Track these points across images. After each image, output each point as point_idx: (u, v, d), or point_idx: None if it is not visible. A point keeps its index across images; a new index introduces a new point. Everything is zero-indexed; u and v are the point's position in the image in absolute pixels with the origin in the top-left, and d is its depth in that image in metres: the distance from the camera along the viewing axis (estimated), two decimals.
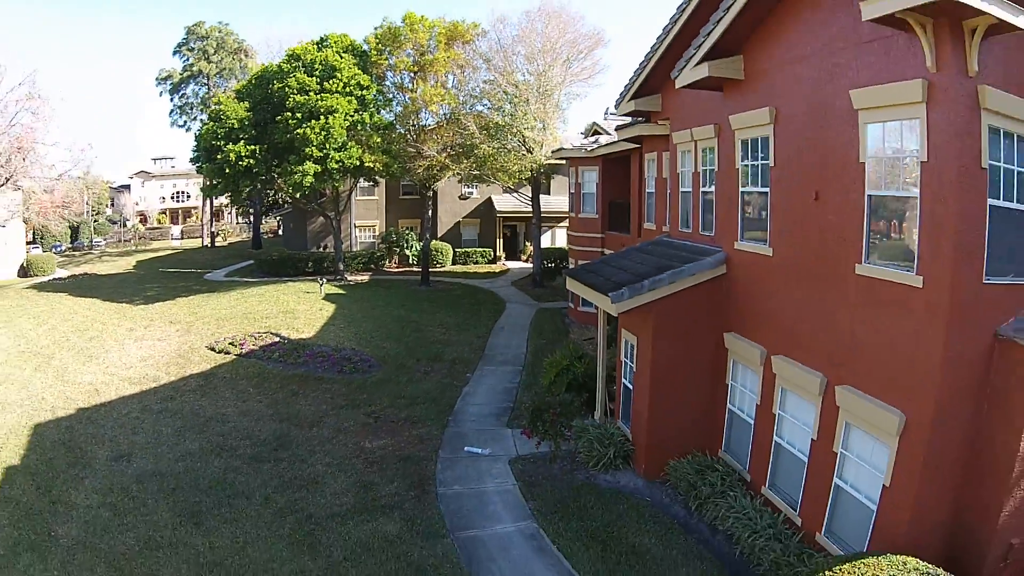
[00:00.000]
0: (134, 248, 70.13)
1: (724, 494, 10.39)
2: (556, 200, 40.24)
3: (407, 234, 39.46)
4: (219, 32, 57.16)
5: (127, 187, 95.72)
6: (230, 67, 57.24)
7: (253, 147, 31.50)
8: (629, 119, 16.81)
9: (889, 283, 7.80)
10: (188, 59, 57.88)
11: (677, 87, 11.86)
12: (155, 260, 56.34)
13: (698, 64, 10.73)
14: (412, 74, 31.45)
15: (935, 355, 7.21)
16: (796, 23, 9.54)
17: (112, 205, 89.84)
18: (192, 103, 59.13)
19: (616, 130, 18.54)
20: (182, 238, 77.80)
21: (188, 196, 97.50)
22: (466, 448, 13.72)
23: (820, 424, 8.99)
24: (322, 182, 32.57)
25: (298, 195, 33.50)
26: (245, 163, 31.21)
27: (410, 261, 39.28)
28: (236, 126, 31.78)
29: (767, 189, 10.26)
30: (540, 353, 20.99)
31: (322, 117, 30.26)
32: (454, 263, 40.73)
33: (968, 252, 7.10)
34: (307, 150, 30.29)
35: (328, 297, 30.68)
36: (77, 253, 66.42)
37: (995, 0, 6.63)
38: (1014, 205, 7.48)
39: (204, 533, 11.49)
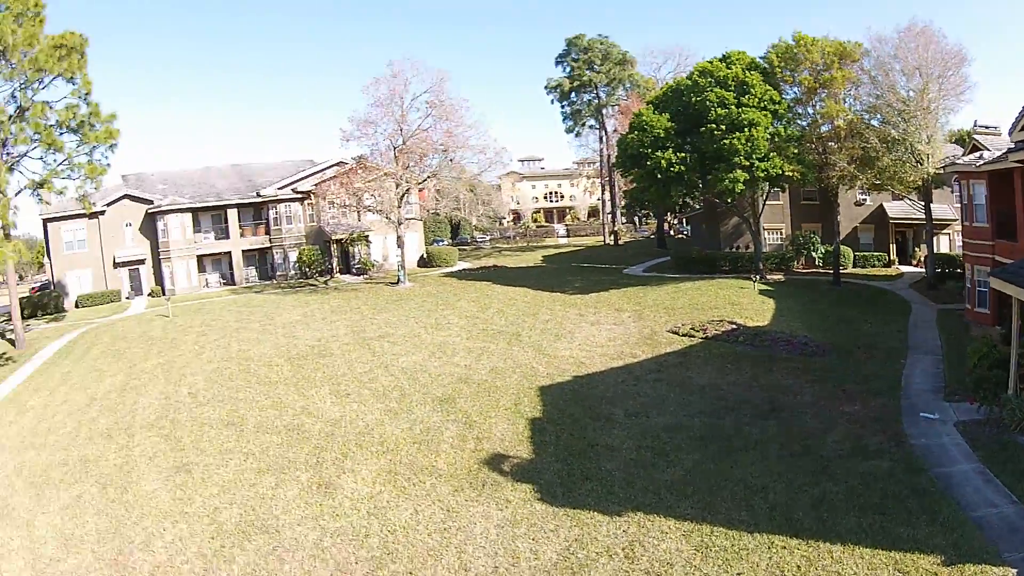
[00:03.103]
0: (526, 245, 75.76)
1: None
2: (939, 208, 39.34)
3: (812, 237, 40.72)
4: (601, 44, 61.56)
5: (497, 187, 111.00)
6: (618, 77, 61.47)
7: (682, 155, 33.98)
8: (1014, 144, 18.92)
9: None
10: (569, 69, 63.48)
11: None
12: (559, 256, 60.65)
13: None
14: (811, 89, 33.76)
15: None
16: None
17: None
18: (581, 110, 64.95)
19: (1008, 152, 20.54)
20: (568, 236, 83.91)
21: (561, 196, 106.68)
22: (921, 414, 17.46)
23: None
24: (750, 188, 34.78)
25: (729, 200, 35.91)
26: (676, 169, 33.56)
27: (816, 263, 40.56)
28: (662, 135, 34.50)
29: None
30: (951, 345, 23.08)
31: (745, 129, 32.27)
32: (854, 266, 41.49)
33: None
34: (735, 159, 32.18)
35: (761, 292, 33.53)
36: (468, 248, 73.63)
37: None
38: None
39: (740, 467, 14.39)
